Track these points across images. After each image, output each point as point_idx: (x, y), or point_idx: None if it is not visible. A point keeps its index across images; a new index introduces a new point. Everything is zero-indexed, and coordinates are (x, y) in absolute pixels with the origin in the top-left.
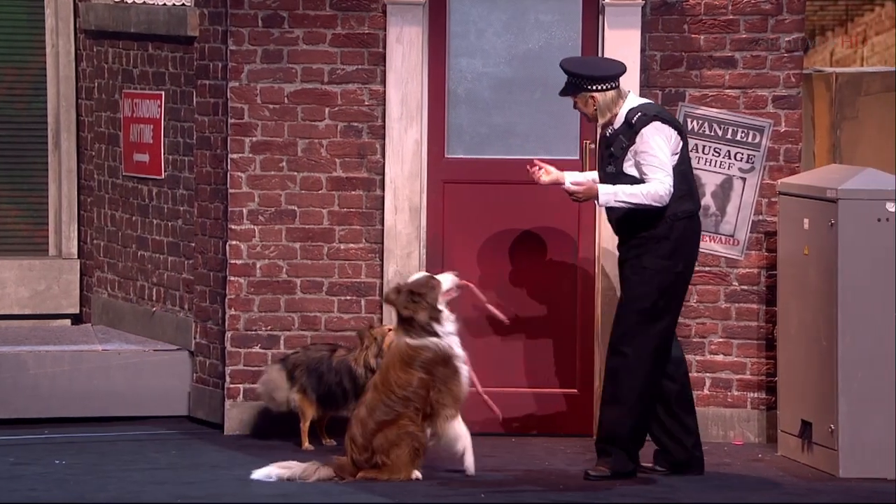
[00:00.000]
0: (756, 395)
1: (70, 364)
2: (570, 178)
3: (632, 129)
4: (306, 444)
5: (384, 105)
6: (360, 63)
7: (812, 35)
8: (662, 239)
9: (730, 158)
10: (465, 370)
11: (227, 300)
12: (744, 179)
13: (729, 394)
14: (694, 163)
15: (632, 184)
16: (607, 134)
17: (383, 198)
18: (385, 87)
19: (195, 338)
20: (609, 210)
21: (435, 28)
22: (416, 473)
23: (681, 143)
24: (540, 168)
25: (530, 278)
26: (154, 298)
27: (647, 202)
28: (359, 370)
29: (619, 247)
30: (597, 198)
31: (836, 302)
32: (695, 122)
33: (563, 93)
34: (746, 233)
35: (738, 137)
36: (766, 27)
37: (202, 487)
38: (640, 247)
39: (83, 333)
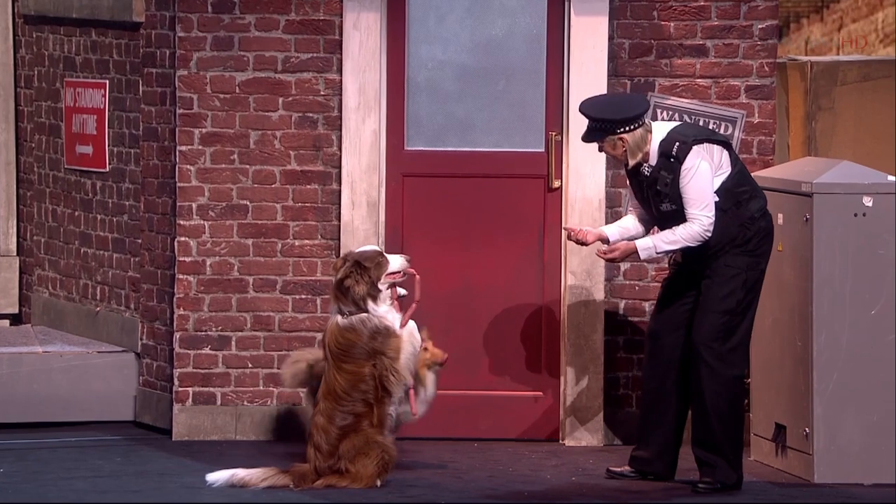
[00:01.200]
0: None
1: (9, 367)
2: (609, 232)
3: (674, 160)
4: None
5: (341, 95)
6: (316, 51)
7: (786, 22)
8: (743, 242)
9: None
10: (407, 338)
11: (175, 299)
12: None
13: None
14: None
15: None
16: (646, 173)
17: (340, 192)
18: (341, 75)
19: (141, 339)
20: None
21: (394, 14)
22: (378, 482)
23: (724, 152)
24: (577, 232)
25: (493, 276)
26: (98, 298)
27: (688, 244)
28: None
29: (693, 261)
30: (636, 254)
31: (812, 300)
32: (665, 113)
33: (588, 139)
34: None
35: (710, 129)
36: (739, 14)
37: (148, 496)
38: (720, 253)
39: (23, 334)
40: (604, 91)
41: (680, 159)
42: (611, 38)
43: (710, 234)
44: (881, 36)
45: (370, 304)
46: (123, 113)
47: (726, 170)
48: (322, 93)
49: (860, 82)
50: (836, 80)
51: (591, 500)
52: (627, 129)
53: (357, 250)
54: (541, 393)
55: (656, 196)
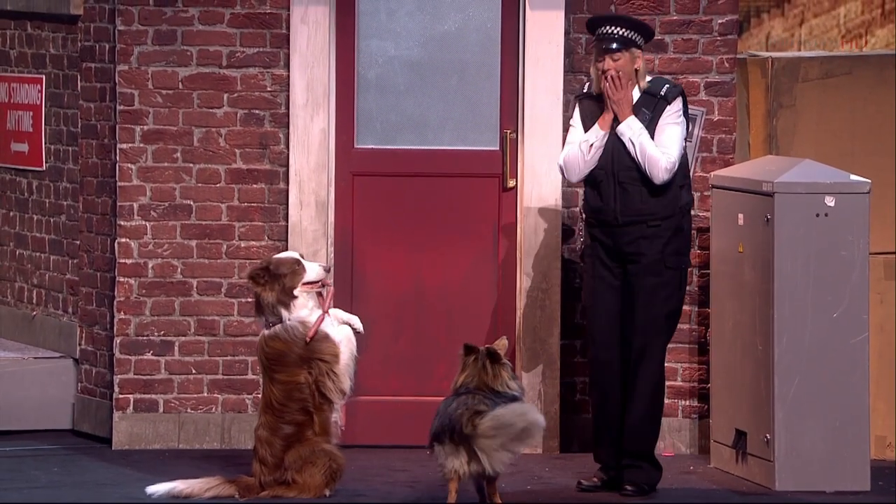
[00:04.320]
0: (687, 402)
1: None
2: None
3: (660, 99)
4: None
5: (288, 91)
6: (262, 45)
7: (747, 17)
8: (677, 230)
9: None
10: (345, 342)
11: (115, 303)
12: None
13: None
14: None
15: None
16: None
17: (287, 191)
18: (289, 71)
19: (80, 344)
20: (620, 188)
21: (343, 7)
22: (326, 491)
23: (685, 127)
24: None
25: (446, 279)
26: (34, 301)
27: (648, 164)
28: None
29: (619, 235)
30: (623, 116)
31: (773, 302)
32: None
33: (617, 44)
34: None
35: None
36: (699, 8)
37: None
38: (654, 238)
39: None
40: (560, 85)
41: (668, 99)
42: (567, 32)
43: (666, 177)
44: (843, 31)
45: (282, 312)
46: (61, 109)
47: (684, 146)
48: (269, 89)
49: (822, 79)
50: (797, 77)
51: None
52: (645, 47)
53: (274, 256)
54: None
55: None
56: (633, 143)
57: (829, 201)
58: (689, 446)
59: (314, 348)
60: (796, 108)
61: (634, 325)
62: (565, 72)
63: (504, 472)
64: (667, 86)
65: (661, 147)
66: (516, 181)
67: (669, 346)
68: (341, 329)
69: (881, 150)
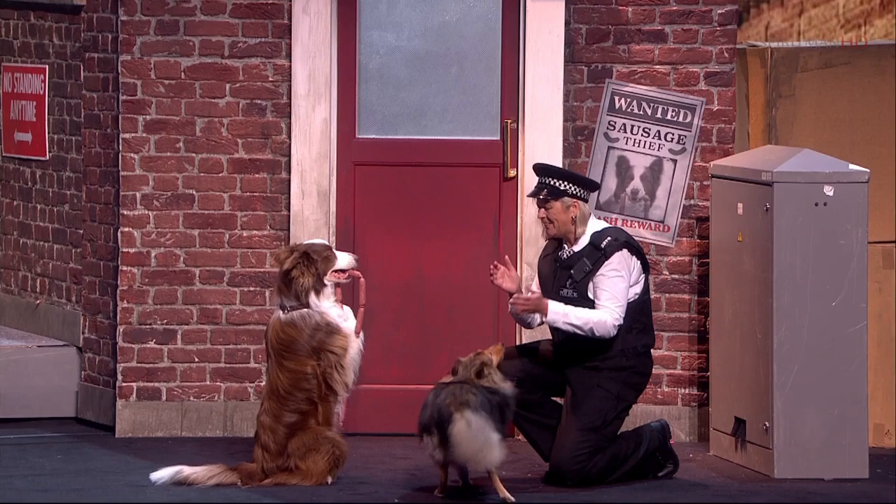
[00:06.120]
0: (687, 391)
1: None
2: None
3: (599, 252)
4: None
5: (290, 81)
6: (264, 35)
7: (746, 7)
8: (619, 370)
9: (659, 139)
10: (348, 332)
11: (118, 292)
12: (674, 161)
13: (658, 390)
14: (622, 144)
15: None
16: (564, 256)
17: (289, 181)
18: (291, 61)
19: (84, 333)
20: (554, 330)
21: None
22: (329, 478)
23: (643, 275)
24: (498, 269)
25: (447, 268)
26: (38, 290)
27: (594, 332)
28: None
29: (564, 367)
30: (544, 312)
31: (772, 291)
32: (623, 100)
33: (546, 194)
34: (677, 218)
35: (669, 116)
36: None
37: (91, 495)
38: (594, 371)
39: None
40: (560, 75)
41: (607, 255)
42: (567, 23)
43: (614, 333)
44: (842, 21)
45: (312, 298)
46: (64, 99)
47: (637, 291)
48: (270, 79)
49: (821, 69)
50: (796, 67)
51: (546, 497)
52: (584, 196)
53: (305, 242)
54: None
55: (564, 279)
56: (569, 325)
57: (828, 191)
58: (689, 434)
59: (325, 340)
60: (795, 98)
61: None
62: (566, 62)
63: (488, 468)
64: (608, 239)
65: (601, 304)
66: (517, 171)
67: (669, 334)
68: (351, 323)
69: (880, 140)
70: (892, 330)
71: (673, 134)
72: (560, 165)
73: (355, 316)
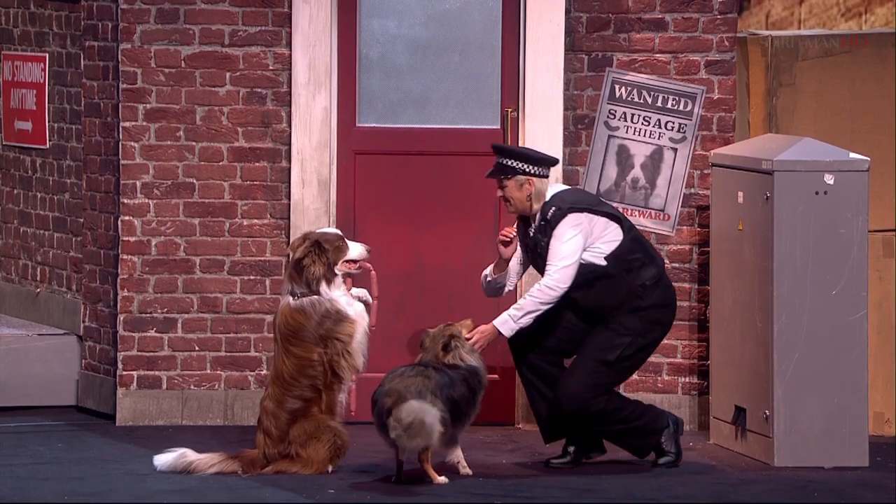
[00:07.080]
0: (687, 379)
1: None
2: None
3: (548, 225)
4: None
5: (290, 70)
6: (264, 24)
7: None
8: (636, 308)
9: (660, 128)
10: (360, 322)
11: (119, 280)
12: (675, 150)
13: (659, 378)
14: (622, 132)
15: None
16: (530, 234)
17: (289, 170)
18: (291, 49)
19: (84, 321)
20: (572, 298)
21: None
22: (330, 467)
23: (611, 223)
24: (509, 237)
25: (448, 256)
26: (38, 279)
27: (544, 302)
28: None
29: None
30: (496, 334)
31: (772, 280)
32: (623, 89)
33: (496, 173)
34: (677, 207)
35: (669, 105)
36: None
37: (91, 483)
38: (612, 315)
39: None
40: (561, 64)
41: (552, 225)
42: (568, 11)
43: (561, 288)
44: (843, 10)
45: (323, 287)
46: (64, 88)
47: (614, 238)
48: (271, 67)
49: (822, 57)
50: (797, 56)
51: (546, 484)
52: (538, 172)
53: (318, 231)
54: (496, 376)
55: (536, 258)
56: (527, 316)
57: (829, 179)
58: (689, 423)
59: (333, 328)
60: (796, 87)
61: None
62: (566, 50)
63: (412, 454)
64: (552, 210)
65: (546, 266)
66: None
67: None
68: (356, 307)
69: (880, 128)
70: (893, 318)
71: (673, 122)
72: (520, 146)
73: (363, 301)
